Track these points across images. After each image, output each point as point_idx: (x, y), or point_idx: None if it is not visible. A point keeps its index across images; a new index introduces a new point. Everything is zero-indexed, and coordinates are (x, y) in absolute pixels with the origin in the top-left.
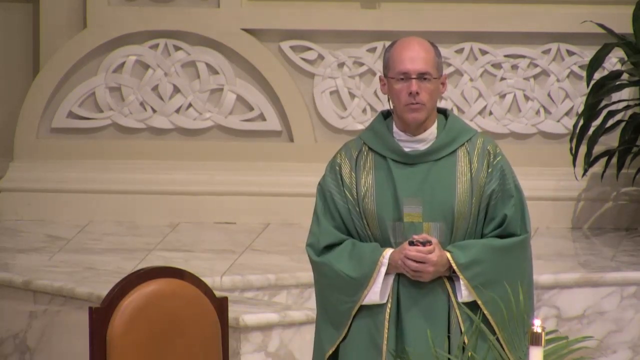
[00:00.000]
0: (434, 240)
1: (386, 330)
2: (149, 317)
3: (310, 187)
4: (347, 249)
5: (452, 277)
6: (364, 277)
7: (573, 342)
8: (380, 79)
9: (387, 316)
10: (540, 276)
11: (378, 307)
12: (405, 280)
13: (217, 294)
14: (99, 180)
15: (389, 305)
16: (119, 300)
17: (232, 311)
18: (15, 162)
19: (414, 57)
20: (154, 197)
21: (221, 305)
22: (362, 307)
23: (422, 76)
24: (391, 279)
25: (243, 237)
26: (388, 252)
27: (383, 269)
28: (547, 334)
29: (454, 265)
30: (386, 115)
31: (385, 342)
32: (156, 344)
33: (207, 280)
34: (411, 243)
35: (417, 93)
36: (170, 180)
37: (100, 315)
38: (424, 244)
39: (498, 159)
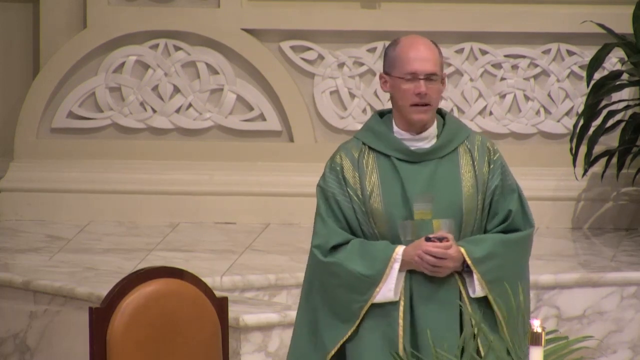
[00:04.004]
0: (450, 236)
1: (401, 328)
2: (149, 317)
3: (310, 187)
4: (356, 248)
5: (462, 272)
6: (377, 274)
7: (573, 342)
8: (381, 77)
9: (401, 314)
10: (540, 276)
11: (390, 305)
12: (417, 277)
13: (217, 294)
14: (99, 180)
15: (402, 302)
16: (119, 300)
17: (232, 311)
18: (15, 162)
19: (422, 58)
20: (154, 197)
21: (221, 305)
22: (372, 307)
23: (429, 77)
24: (403, 276)
25: (243, 237)
26: (400, 248)
27: (396, 266)
28: (547, 334)
29: (468, 260)
30: (380, 114)
31: (401, 339)
32: (156, 344)
33: (207, 280)
34: (428, 239)
35: (426, 94)
36: (170, 180)
37: (100, 315)
38: (440, 240)
39: (497, 155)
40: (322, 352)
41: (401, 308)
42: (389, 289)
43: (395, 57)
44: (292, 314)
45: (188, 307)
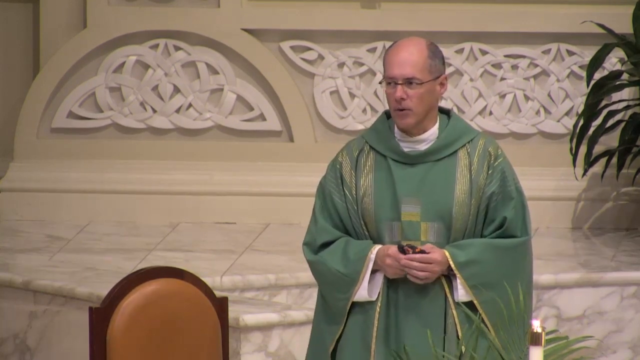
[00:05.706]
0: (429, 245)
1: (375, 329)
2: (149, 317)
3: (310, 187)
4: (341, 246)
5: (450, 276)
6: (354, 273)
7: (573, 342)
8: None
9: (376, 315)
10: (540, 276)
11: (369, 305)
12: (399, 279)
13: (217, 294)
14: (99, 180)
15: (379, 303)
16: (119, 300)
17: (232, 311)
18: (15, 162)
19: (402, 62)
20: (154, 197)
21: (221, 305)
22: (355, 304)
23: (408, 81)
24: (382, 276)
25: (243, 237)
26: (376, 248)
27: (371, 265)
28: (547, 334)
29: (452, 263)
30: (389, 114)
31: (373, 340)
32: (156, 344)
33: (207, 280)
34: (400, 248)
35: (403, 99)
36: (170, 180)
37: (100, 315)
38: (413, 248)
39: (499, 160)
40: (324, 348)
41: (377, 309)
42: (364, 287)
43: (384, 61)
44: (292, 314)
45: (188, 307)
